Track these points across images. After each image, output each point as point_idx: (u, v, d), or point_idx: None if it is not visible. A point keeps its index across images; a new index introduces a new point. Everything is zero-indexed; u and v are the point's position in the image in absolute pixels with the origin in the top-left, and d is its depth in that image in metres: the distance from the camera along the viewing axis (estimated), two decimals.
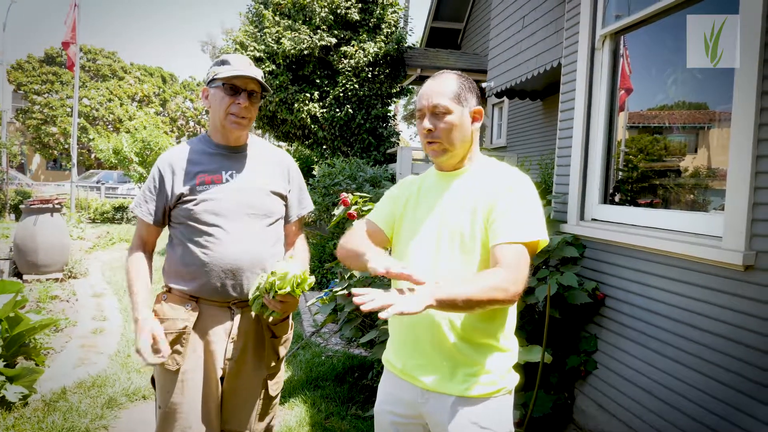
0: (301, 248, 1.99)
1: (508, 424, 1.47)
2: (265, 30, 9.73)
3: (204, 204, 1.78)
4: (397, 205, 1.60)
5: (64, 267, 6.89)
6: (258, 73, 1.79)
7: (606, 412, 2.94)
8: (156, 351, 1.65)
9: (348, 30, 10.02)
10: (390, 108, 10.84)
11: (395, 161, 8.55)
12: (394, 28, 10.36)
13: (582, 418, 3.10)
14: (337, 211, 3.47)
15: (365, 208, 3.34)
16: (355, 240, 1.53)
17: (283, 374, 2.01)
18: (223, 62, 1.81)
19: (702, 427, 2.34)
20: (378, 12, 10.13)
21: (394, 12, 10.41)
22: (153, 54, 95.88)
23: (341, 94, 9.91)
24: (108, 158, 15.34)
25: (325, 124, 10.03)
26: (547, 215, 3.36)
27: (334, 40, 9.70)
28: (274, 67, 9.70)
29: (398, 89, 10.61)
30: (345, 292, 3.49)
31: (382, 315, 1.13)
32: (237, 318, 1.82)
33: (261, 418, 1.91)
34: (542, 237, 1.40)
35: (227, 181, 1.82)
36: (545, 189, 4.11)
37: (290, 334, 1.97)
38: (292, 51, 9.48)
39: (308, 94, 9.85)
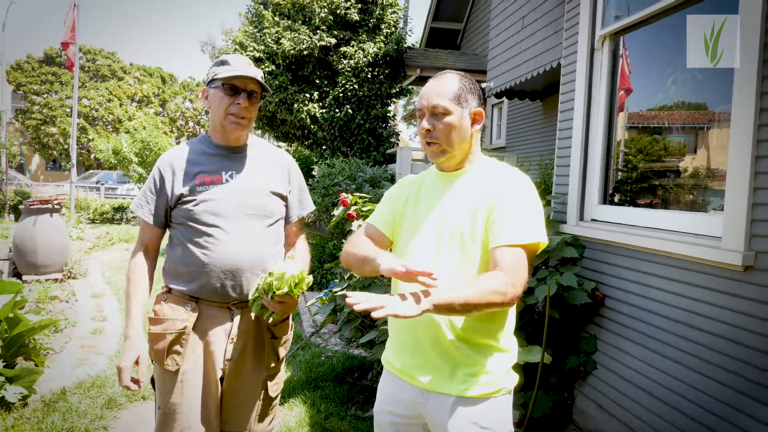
0: (302, 249, 1.98)
1: (507, 425, 1.47)
2: (264, 30, 9.73)
3: (204, 204, 1.77)
4: (397, 205, 1.60)
5: (63, 267, 6.89)
6: (258, 74, 1.79)
7: (605, 413, 2.94)
8: (134, 380, 1.68)
9: (347, 30, 10.02)
10: (389, 108, 10.84)
11: (395, 162, 8.55)
12: (393, 29, 10.36)
13: (581, 419, 3.10)
14: (337, 212, 3.47)
15: (365, 209, 3.35)
16: (361, 246, 1.52)
17: (283, 375, 2.00)
18: (223, 62, 1.81)
19: (701, 427, 2.34)
20: (378, 12, 10.13)
21: (394, 12, 10.41)
22: (152, 54, 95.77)
23: (341, 95, 9.91)
24: (107, 158, 15.33)
25: (325, 125, 10.03)
26: (547, 215, 3.37)
27: (333, 41, 9.70)
28: (273, 67, 9.70)
29: (398, 89, 10.61)
30: (344, 292, 3.49)
31: (374, 314, 1.13)
32: (237, 319, 1.81)
33: (261, 418, 1.90)
34: (542, 239, 1.40)
35: (227, 181, 1.81)
36: (545, 189, 4.12)
37: (290, 335, 1.96)
38: (292, 51, 9.48)
39: (308, 95, 9.85)
